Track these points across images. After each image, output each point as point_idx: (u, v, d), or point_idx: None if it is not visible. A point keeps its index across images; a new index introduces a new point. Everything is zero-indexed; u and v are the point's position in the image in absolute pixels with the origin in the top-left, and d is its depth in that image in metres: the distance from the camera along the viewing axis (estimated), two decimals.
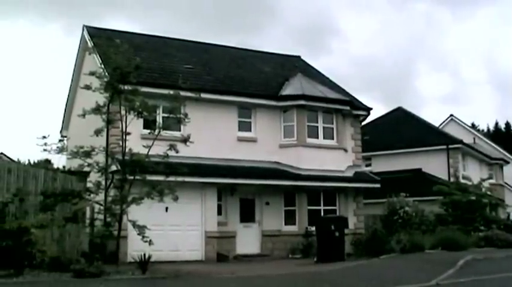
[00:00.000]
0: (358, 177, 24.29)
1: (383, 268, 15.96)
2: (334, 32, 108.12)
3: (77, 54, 24.82)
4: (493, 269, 15.64)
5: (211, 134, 21.13)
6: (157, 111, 19.37)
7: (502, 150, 47.93)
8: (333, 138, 24.01)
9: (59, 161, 25.38)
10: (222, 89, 22.54)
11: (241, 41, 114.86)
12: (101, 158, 15.28)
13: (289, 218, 22.97)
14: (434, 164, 33.79)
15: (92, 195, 14.82)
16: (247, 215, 22.30)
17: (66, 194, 14.40)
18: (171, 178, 15.18)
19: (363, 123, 26.99)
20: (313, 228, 20.24)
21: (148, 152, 15.02)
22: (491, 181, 38.15)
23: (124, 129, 15.12)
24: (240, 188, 21.80)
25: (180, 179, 15.70)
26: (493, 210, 30.60)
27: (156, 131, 15.91)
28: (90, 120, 15.33)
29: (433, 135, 37.39)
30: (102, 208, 14.72)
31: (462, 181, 31.24)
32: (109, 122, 15.26)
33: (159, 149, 15.23)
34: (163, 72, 22.08)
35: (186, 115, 16.37)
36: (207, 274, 14.56)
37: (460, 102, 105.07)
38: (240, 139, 22.38)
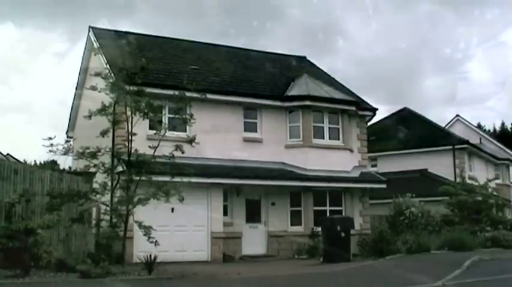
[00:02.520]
0: (364, 177, 24.25)
1: (389, 269, 15.93)
2: (339, 32, 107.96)
3: (83, 55, 24.87)
4: (500, 269, 15.57)
5: (217, 134, 21.13)
6: (163, 112, 19.40)
7: (508, 150, 47.77)
8: (338, 139, 23.99)
9: (65, 162, 25.46)
10: (227, 89, 22.55)
11: (247, 42, 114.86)
12: (106, 159, 15.31)
13: (295, 219, 22.95)
14: (440, 165, 33.71)
15: (98, 196, 14.84)
16: (253, 216, 22.29)
17: (72, 195, 14.43)
18: (177, 179, 15.19)
19: (369, 123, 26.96)
20: (319, 228, 20.21)
21: (154, 152, 15.05)
22: (497, 181, 38.03)
23: (130, 130, 15.14)
24: (246, 188, 21.80)
25: (186, 179, 15.70)
26: (500, 210, 30.50)
27: (162, 131, 15.92)
28: (96, 121, 15.37)
29: (439, 135, 37.32)
30: (108, 208, 14.74)
31: (468, 181, 31.15)
32: (115, 123, 15.28)
33: (165, 149, 15.24)
34: (169, 73, 22.11)
35: (191, 116, 16.40)
36: (213, 274, 14.55)
37: (466, 103, 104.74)
38: (246, 140, 22.39)
